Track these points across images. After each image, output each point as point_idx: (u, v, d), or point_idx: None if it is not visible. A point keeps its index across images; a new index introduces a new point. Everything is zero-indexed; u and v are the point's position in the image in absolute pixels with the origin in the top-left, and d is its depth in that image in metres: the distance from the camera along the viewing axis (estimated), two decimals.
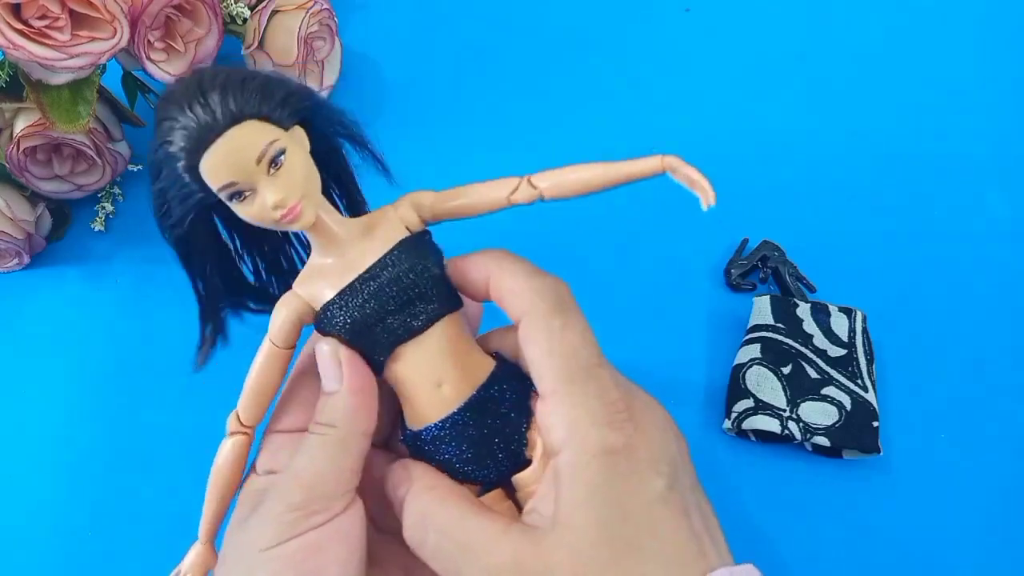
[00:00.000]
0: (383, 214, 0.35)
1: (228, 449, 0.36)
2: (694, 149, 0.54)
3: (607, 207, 0.53)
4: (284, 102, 0.32)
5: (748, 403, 0.45)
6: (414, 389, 0.34)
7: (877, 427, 0.44)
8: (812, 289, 0.50)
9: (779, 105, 0.58)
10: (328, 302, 0.33)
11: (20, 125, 0.46)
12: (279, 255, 0.40)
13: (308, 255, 0.35)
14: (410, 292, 0.33)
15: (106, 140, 0.49)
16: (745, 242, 0.52)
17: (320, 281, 0.34)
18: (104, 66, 0.47)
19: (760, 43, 0.60)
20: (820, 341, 0.47)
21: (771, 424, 0.44)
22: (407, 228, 0.35)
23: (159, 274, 0.52)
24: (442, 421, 0.34)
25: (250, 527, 0.32)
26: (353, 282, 0.33)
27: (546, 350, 0.32)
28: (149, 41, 0.47)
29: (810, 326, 0.47)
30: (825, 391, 0.45)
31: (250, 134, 0.31)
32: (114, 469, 0.46)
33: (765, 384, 0.45)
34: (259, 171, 0.31)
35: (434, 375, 0.34)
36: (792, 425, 0.44)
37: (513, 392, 0.34)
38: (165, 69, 0.48)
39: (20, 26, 0.42)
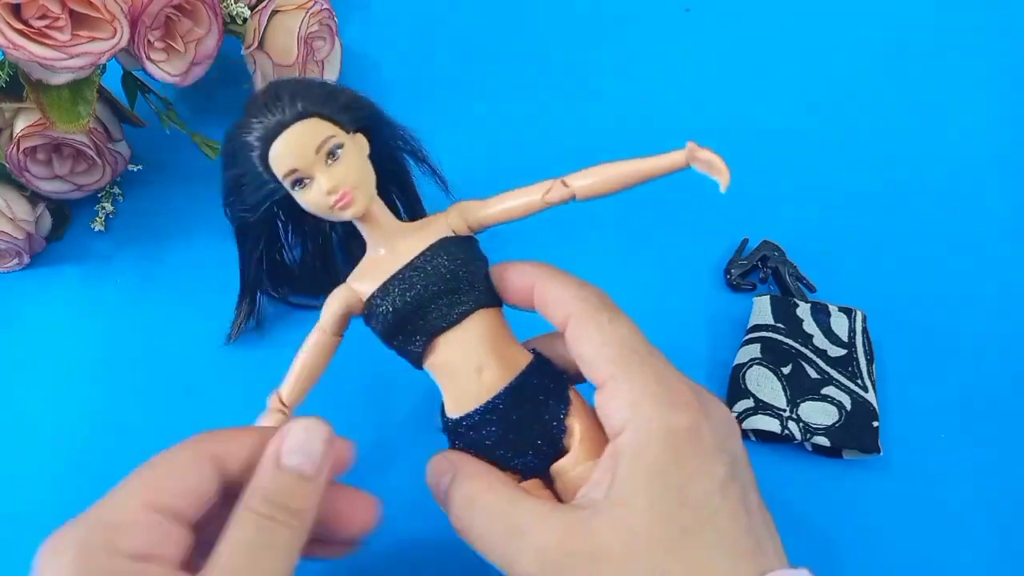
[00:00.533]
0: (434, 219, 0.39)
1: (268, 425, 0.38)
2: None
3: (606, 207, 0.53)
4: (346, 107, 0.37)
5: (748, 403, 0.45)
6: (455, 375, 0.36)
7: (877, 427, 0.44)
8: (812, 289, 0.50)
9: (779, 105, 0.58)
10: (374, 291, 0.37)
11: (20, 125, 0.46)
12: (329, 247, 0.46)
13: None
14: (450, 283, 0.36)
15: (106, 140, 0.49)
16: (745, 242, 0.52)
17: (370, 275, 0.38)
18: (104, 66, 0.47)
19: (760, 43, 0.60)
20: (820, 341, 0.47)
21: (771, 424, 0.44)
22: (453, 231, 0.38)
23: (159, 274, 0.52)
24: (483, 406, 0.35)
25: None
26: (397, 272, 0.37)
27: (599, 342, 0.33)
28: (149, 41, 0.47)
29: (810, 326, 0.47)
30: (825, 391, 0.45)
31: (312, 128, 0.36)
32: (114, 470, 0.46)
33: (765, 384, 0.45)
34: (318, 160, 0.36)
35: (474, 361, 0.36)
36: (792, 425, 0.44)
37: (551, 381, 0.36)
38: (165, 69, 0.48)
39: (20, 26, 0.42)
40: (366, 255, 0.39)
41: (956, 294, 0.50)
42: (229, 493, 0.32)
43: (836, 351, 0.46)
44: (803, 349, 0.46)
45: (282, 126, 0.35)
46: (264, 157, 0.36)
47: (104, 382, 0.48)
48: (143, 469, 0.31)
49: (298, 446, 0.31)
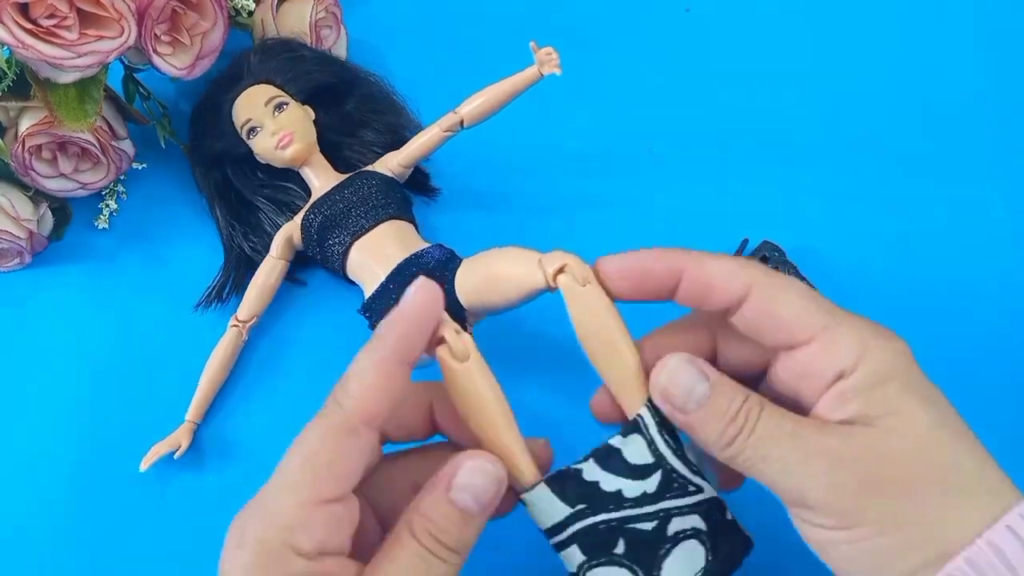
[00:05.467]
0: (361, 170, 0.49)
1: (224, 340, 0.47)
2: (694, 149, 0.56)
3: (606, 206, 0.54)
4: (294, 79, 0.50)
5: None
6: (370, 266, 0.45)
7: (733, 519, 0.35)
8: None
9: (779, 105, 0.58)
10: (309, 207, 0.47)
11: (25, 124, 0.45)
12: (281, 197, 0.51)
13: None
14: (366, 199, 0.47)
15: (111, 138, 0.48)
16: (745, 242, 0.52)
17: (306, 207, 0.48)
18: (110, 64, 0.46)
19: (760, 43, 0.61)
20: (631, 489, 0.34)
21: None
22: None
23: (162, 273, 0.51)
24: (388, 275, 0.44)
25: None
26: (324, 194, 0.47)
27: (799, 300, 0.33)
28: (156, 35, 0.46)
29: (610, 482, 0.34)
30: (672, 530, 0.34)
31: (264, 89, 0.49)
32: (117, 468, 0.46)
33: None
34: (267, 112, 0.48)
35: (384, 251, 0.45)
36: None
37: (442, 255, 0.45)
38: (171, 63, 0.48)
39: (29, 25, 0.41)
40: (310, 199, 0.49)
41: (957, 294, 0.51)
42: None
43: (652, 482, 0.34)
44: (621, 512, 0.34)
45: (242, 88, 0.49)
46: (228, 113, 0.49)
47: (107, 380, 0.48)
48: (302, 463, 0.30)
49: (469, 485, 0.31)
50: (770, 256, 0.51)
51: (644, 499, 0.34)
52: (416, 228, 0.48)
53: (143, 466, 0.44)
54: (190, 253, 0.52)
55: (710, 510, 0.34)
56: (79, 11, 0.43)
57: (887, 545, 0.30)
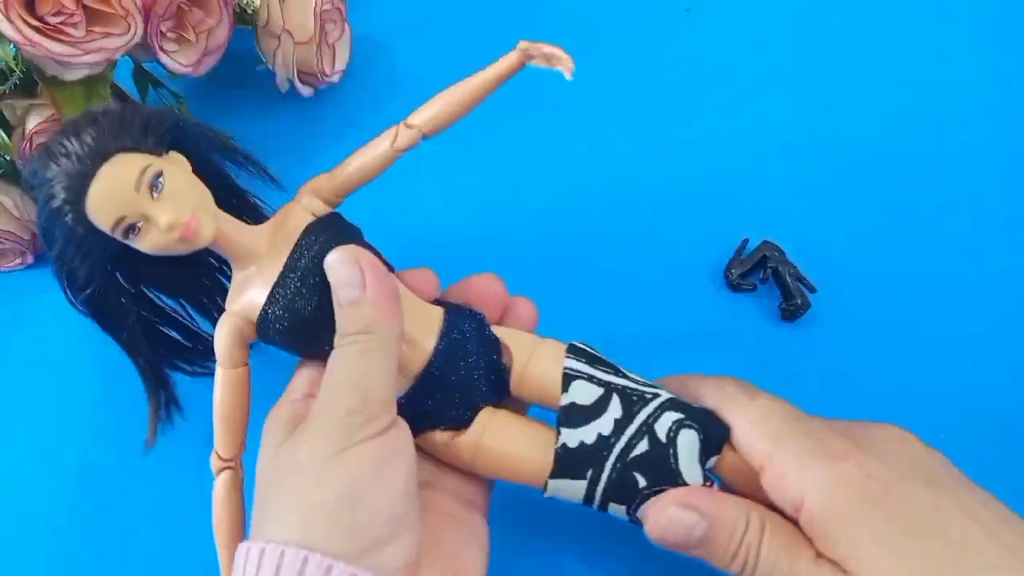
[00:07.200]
0: (287, 211, 0.36)
1: (220, 489, 0.36)
2: (694, 149, 0.56)
3: (606, 206, 0.54)
4: (145, 129, 0.33)
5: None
6: None
7: (701, 407, 0.37)
8: (812, 290, 0.51)
9: (780, 105, 0.58)
10: (261, 308, 0.34)
11: (32, 122, 0.45)
12: (199, 294, 0.41)
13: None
14: None
15: None
16: (745, 242, 0.52)
17: (248, 292, 0.35)
18: (116, 61, 0.46)
19: (760, 43, 0.61)
20: (605, 426, 0.35)
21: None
22: (313, 215, 0.36)
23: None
24: (419, 377, 0.35)
25: (304, 440, 0.31)
26: (276, 281, 0.34)
27: (745, 420, 0.34)
28: (162, 31, 0.46)
29: (588, 433, 0.35)
30: (662, 435, 0.35)
31: (122, 166, 0.32)
32: (120, 469, 0.46)
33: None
34: (142, 198, 0.32)
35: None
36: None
37: (472, 330, 0.36)
38: (177, 60, 0.48)
39: (36, 23, 0.41)
40: (234, 277, 0.36)
41: (958, 295, 0.51)
42: None
43: (615, 407, 0.35)
44: (616, 449, 0.34)
45: (86, 177, 0.31)
46: (81, 217, 0.32)
47: (109, 381, 0.48)
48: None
49: (340, 280, 0.33)
50: (770, 256, 0.51)
51: (621, 425, 0.34)
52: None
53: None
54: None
55: (675, 403, 0.35)
56: (86, 8, 0.42)
57: None
